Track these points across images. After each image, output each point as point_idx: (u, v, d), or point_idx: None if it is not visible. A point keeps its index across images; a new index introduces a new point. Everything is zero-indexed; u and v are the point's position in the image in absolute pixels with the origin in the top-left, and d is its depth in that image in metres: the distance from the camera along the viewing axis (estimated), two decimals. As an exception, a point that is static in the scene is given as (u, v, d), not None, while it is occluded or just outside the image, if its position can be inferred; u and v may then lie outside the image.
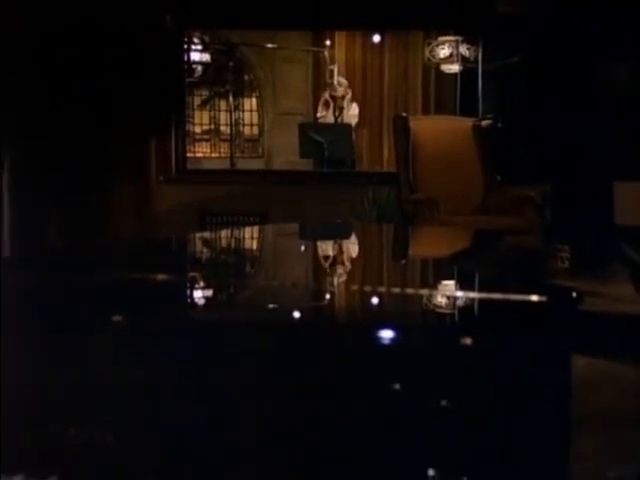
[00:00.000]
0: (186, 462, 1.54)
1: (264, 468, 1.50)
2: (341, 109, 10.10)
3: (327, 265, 2.96)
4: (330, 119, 10.06)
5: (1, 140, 6.93)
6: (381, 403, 1.48)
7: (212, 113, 10.90)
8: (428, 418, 1.45)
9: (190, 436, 1.58)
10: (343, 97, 10.15)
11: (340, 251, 3.46)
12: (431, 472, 1.41)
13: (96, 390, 1.66)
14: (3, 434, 1.59)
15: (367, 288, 2.26)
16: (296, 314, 1.93)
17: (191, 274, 2.70)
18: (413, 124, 7.13)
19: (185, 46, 8.76)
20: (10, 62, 6.85)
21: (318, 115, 10.22)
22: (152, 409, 1.61)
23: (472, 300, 2.04)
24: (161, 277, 2.30)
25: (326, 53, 10.53)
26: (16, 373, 1.70)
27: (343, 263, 3.04)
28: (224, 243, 3.64)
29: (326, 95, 10.26)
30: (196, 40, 9.59)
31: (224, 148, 10.72)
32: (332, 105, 10.12)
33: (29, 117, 6.99)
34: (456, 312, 1.95)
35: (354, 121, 10.02)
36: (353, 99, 10.21)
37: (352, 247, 3.67)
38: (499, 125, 7.26)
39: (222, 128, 10.86)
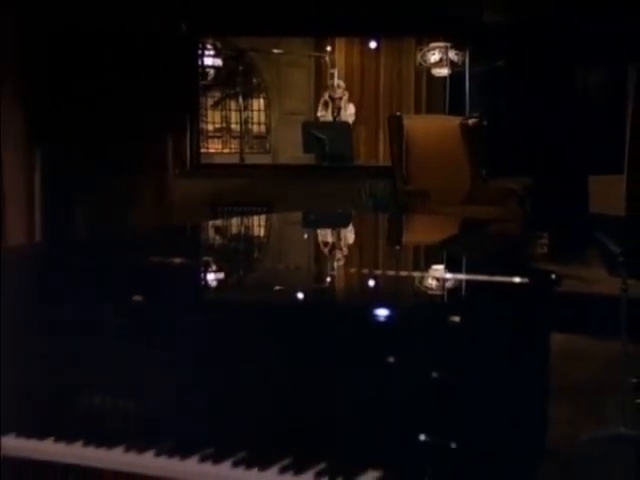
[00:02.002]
0: (201, 428, 1.55)
1: (268, 433, 1.51)
2: (339, 109, 10.09)
3: (328, 250, 2.96)
4: (329, 118, 10.04)
5: (36, 137, 6.93)
6: (377, 374, 1.49)
7: (223, 113, 10.87)
8: (420, 388, 1.46)
9: (206, 404, 1.58)
10: (341, 98, 10.13)
11: (339, 238, 3.45)
12: (423, 437, 1.41)
13: (123, 359, 1.67)
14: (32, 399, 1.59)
15: (364, 271, 2.26)
16: (299, 295, 1.93)
17: (204, 258, 2.70)
18: (406, 122, 7.12)
19: (199, 52, 8.74)
20: (49, 66, 6.86)
21: (318, 114, 10.20)
22: (172, 380, 1.62)
23: (460, 281, 2.05)
24: (177, 260, 2.30)
25: (327, 58, 10.50)
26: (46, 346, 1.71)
27: (342, 248, 3.04)
28: (234, 230, 3.63)
29: (325, 96, 10.24)
30: (209, 46, 9.55)
31: (234, 144, 10.69)
32: (331, 105, 10.10)
33: (64, 116, 6.99)
34: (445, 292, 1.95)
35: (350, 120, 10.01)
36: (350, 100, 10.19)
37: (350, 234, 3.66)
38: (484, 123, 7.26)
39: (232, 126, 10.83)
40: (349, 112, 10.10)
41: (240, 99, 10.54)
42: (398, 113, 7.70)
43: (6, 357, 1.70)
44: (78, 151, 7.14)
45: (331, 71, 10.34)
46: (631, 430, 3.55)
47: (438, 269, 2.39)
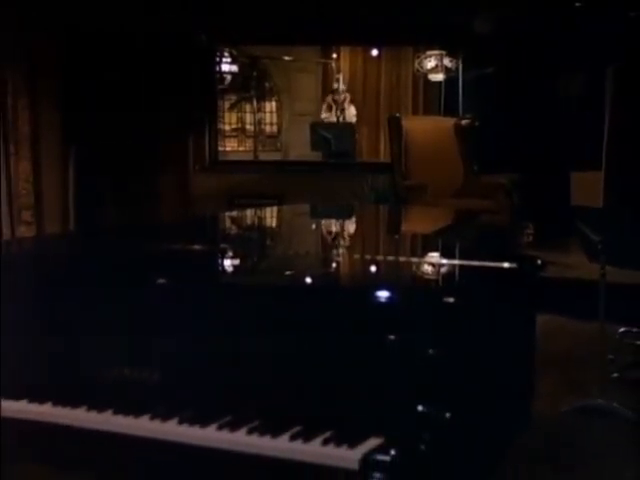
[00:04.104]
0: (218, 398, 1.55)
1: (276, 402, 1.51)
2: (342, 110, 10.06)
3: (333, 238, 2.95)
4: (332, 119, 10.02)
5: (69, 138, 6.94)
6: (378, 350, 1.48)
7: (239, 114, 10.85)
8: (417, 362, 1.45)
9: (223, 377, 1.58)
10: (344, 100, 10.10)
11: (344, 227, 3.44)
12: (420, 407, 1.41)
13: (148, 336, 1.67)
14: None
15: (367, 257, 2.25)
16: (308, 278, 1.92)
17: (222, 245, 2.70)
18: (405, 123, 7.11)
19: (217, 59, 8.73)
20: (82, 73, 6.87)
21: (322, 115, 10.17)
22: (193, 355, 1.62)
23: (454, 266, 2.04)
24: (197, 247, 2.29)
25: (333, 64, 10.47)
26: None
27: (346, 237, 3.03)
28: (248, 221, 3.62)
29: (329, 99, 10.22)
30: (226, 54, 9.54)
31: (249, 143, 10.68)
32: (334, 107, 10.08)
33: (95, 118, 7.00)
34: (440, 276, 1.94)
35: (352, 120, 9.98)
36: (353, 102, 10.17)
37: (354, 224, 3.65)
38: (476, 124, 7.25)
39: (247, 127, 10.81)
40: (351, 113, 10.08)
41: (254, 102, 10.52)
42: (397, 114, 7.68)
43: (42, 330, 1.71)
44: (107, 150, 7.15)
45: (336, 76, 10.30)
46: (607, 401, 3.56)
47: (434, 255, 2.38)
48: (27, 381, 1.65)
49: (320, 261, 2.26)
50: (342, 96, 10.08)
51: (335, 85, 10.24)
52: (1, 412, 1.58)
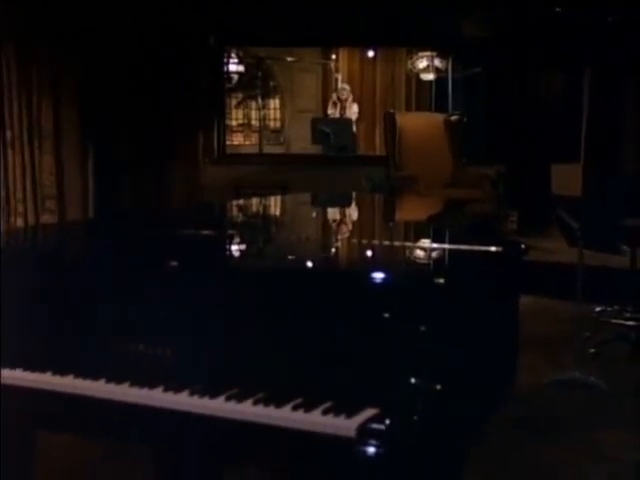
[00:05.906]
0: (228, 374, 1.54)
1: (284, 375, 1.51)
2: (345, 108, 10.04)
3: (333, 225, 2.95)
4: (337, 115, 10.01)
5: (89, 135, 6.93)
6: (374, 328, 1.48)
7: (245, 111, 10.84)
8: (410, 339, 1.45)
9: (231, 353, 1.58)
10: (347, 99, 10.07)
11: (343, 215, 3.43)
12: (413, 380, 1.40)
13: (161, 315, 1.66)
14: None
15: (364, 242, 2.24)
16: (309, 261, 1.91)
17: (229, 231, 2.69)
18: (399, 119, 7.10)
19: (225, 60, 8.70)
20: (100, 76, 6.84)
21: (328, 112, 10.14)
22: (203, 332, 1.61)
23: (444, 250, 2.03)
24: (206, 232, 2.28)
25: (332, 65, 10.45)
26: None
27: (345, 224, 3.02)
28: (254, 208, 3.61)
29: (334, 97, 10.19)
30: (233, 55, 9.51)
31: (254, 137, 10.66)
32: (338, 105, 10.05)
33: (112, 116, 6.99)
34: (432, 259, 1.94)
35: (354, 117, 9.96)
36: (354, 100, 10.15)
37: (352, 212, 3.64)
38: (464, 119, 7.24)
39: (253, 122, 10.80)
40: (353, 110, 10.06)
41: (259, 99, 10.50)
42: (392, 110, 7.67)
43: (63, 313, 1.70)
44: (124, 144, 7.14)
45: (335, 76, 10.31)
46: (585, 375, 3.56)
47: (426, 240, 2.38)
48: (51, 354, 1.65)
49: (319, 245, 2.26)
50: (345, 95, 10.06)
51: (335, 84, 10.22)
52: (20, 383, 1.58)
